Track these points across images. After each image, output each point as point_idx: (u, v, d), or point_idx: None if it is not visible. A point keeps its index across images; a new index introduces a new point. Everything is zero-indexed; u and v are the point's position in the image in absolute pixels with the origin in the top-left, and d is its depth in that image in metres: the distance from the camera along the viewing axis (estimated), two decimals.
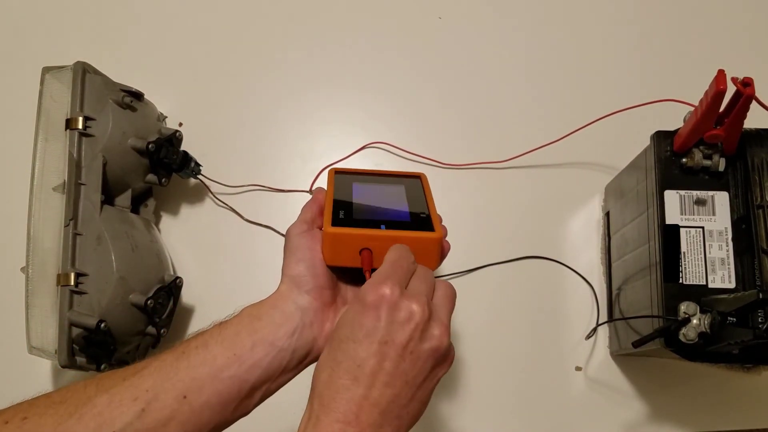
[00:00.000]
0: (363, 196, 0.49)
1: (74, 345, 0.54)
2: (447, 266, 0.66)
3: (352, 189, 0.49)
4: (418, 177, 0.52)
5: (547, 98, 0.73)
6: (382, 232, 0.43)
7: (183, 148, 0.65)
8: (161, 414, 0.36)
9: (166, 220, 0.69)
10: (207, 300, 0.66)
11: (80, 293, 0.54)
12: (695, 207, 0.51)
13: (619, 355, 0.64)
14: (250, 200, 0.69)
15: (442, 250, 0.45)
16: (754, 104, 0.46)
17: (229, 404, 0.38)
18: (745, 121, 0.48)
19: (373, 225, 0.44)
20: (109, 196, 0.60)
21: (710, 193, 0.51)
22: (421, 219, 0.46)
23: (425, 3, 0.77)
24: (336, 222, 0.43)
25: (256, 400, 0.40)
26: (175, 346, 0.39)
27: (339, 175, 0.52)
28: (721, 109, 0.47)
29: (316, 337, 0.41)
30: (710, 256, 0.49)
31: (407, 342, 0.36)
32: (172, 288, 0.60)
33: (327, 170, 0.53)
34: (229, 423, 0.39)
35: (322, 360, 0.37)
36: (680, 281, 0.49)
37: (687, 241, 0.50)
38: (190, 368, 0.37)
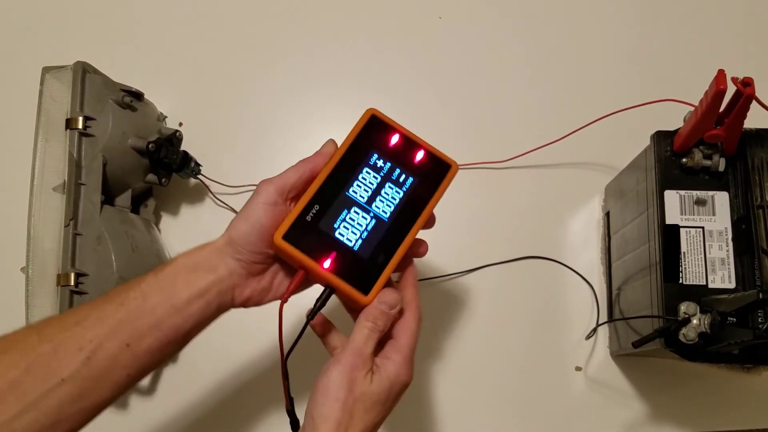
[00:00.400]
0: (361, 185, 0.46)
1: None
2: (447, 266, 0.66)
3: (360, 164, 0.46)
4: (446, 169, 0.47)
5: (547, 98, 0.73)
6: (321, 271, 0.43)
7: (183, 148, 0.65)
8: (106, 361, 0.38)
9: (166, 220, 0.69)
10: None
11: (80, 293, 0.54)
12: (695, 207, 0.51)
13: (619, 355, 0.64)
14: None
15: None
16: (754, 104, 0.46)
17: (167, 348, 0.41)
18: (745, 121, 0.48)
19: (324, 252, 0.43)
20: (109, 196, 0.60)
21: (710, 193, 0.51)
22: (373, 267, 0.44)
23: (425, 3, 0.77)
24: (291, 231, 0.43)
25: (188, 341, 0.43)
26: (111, 295, 0.41)
27: (372, 124, 0.47)
28: (721, 109, 0.47)
29: (235, 297, 0.44)
30: (710, 256, 0.49)
31: (397, 400, 0.43)
32: None
33: (367, 109, 0.48)
34: (166, 361, 0.44)
35: (336, 404, 0.39)
36: (680, 281, 0.49)
37: (687, 241, 0.50)
38: (130, 319, 0.39)
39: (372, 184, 0.46)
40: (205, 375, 0.64)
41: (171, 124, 0.70)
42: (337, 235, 0.44)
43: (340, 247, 0.44)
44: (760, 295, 0.43)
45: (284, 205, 0.44)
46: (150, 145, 0.60)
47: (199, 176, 0.67)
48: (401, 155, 0.47)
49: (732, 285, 0.49)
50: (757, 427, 0.63)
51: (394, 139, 0.47)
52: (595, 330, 0.64)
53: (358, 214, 0.45)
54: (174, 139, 0.64)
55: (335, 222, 0.44)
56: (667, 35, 0.76)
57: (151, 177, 0.63)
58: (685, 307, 0.47)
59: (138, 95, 0.63)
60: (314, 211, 0.44)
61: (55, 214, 0.56)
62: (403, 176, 0.46)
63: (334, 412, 0.38)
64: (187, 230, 0.69)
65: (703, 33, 0.76)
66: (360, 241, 0.44)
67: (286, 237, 0.43)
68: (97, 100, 0.59)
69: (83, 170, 0.57)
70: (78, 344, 0.38)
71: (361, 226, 0.44)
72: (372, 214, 0.45)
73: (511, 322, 0.66)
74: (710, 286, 0.49)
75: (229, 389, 0.63)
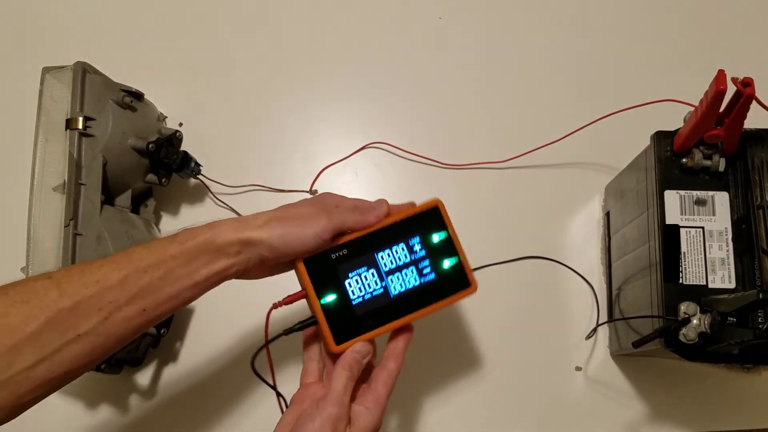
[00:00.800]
0: (391, 255, 0.48)
1: None
2: None
3: (401, 237, 0.49)
4: (464, 285, 0.50)
5: (548, 98, 0.73)
6: (315, 303, 0.46)
7: (183, 148, 0.65)
8: (122, 322, 0.40)
9: (166, 220, 0.69)
10: (206, 299, 0.66)
11: None
12: (695, 207, 0.51)
13: (619, 355, 0.64)
14: (250, 200, 0.69)
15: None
16: (754, 104, 0.46)
17: (175, 311, 0.44)
18: (745, 121, 0.48)
19: (327, 289, 0.47)
20: (109, 196, 0.60)
21: (710, 193, 0.51)
22: (357, 326, 0.47)
23: (425, 3, 0.77)
24: (313, 259, 0.47)
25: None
26: (134, 258, 0.42)
27: (432, 213, 0.50)
28: (721, 109, 0.47)
29: (239, 276, 0.46)
30: (710, 256, 0.49)
31: None
32: None
33: (435, 198, 0.51)
34: None
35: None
36: (680, 281, 0.49)
37: (687, 241, 0.50)
38: (152, 289, 0.41)
39: (399, 260, 0.48)
40: (205, 374, 0.64)
41: (171, 124, 0.70)
42: (345, 283, 0.47)
43: (342, 294, 0.47)
44: (760, 295, 0.43)
45: (327, 242, 0.46)
46: (150, 145, 0.60)
47: (199, 176, 0.67)
48: (438, 252, 0.49)
49: (732, 285, 0.49)
50: (757, 427, 0.63)
51: (441, 235, 0.49)
52: (595, 330, 0.64)
53: (373, 276, 0.48)
54: (174, 139, 0.64)
55: (351, 272, 0.47)
56: (667, 35, 0.76)
57: (151, 177, 0.63)
58: (685, 307, 0.47)
59: (138, 95, 0.63)
60: (341, 253, 0.47)
61: (55, 214, 0.56)
62: (428, 269, 0.49)
63: None
64: None
65: (703, 33, 0.76)
66: (360, 299, 0.47)
67: (306, 261, 0.47)
68: (97, 100, 0.59)
69: (83, 170, 0.57)
70: (98, 305, 0.39)
71: (369, 288, 0.48)
72: (383, 284, 0.48)
73: (511, 322, 0.66)
74: (710, 286, 0.49)
75: (228, 389, 0.63)
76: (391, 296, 0.48)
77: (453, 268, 0.49)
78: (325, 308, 0.47)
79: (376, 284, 0.48)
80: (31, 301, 0.38)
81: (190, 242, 0.43)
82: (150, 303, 0.41)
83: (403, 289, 0.48)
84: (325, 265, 0.47)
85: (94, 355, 0.40)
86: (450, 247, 0.49)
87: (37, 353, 0.37)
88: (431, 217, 0.50)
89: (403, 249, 0.49)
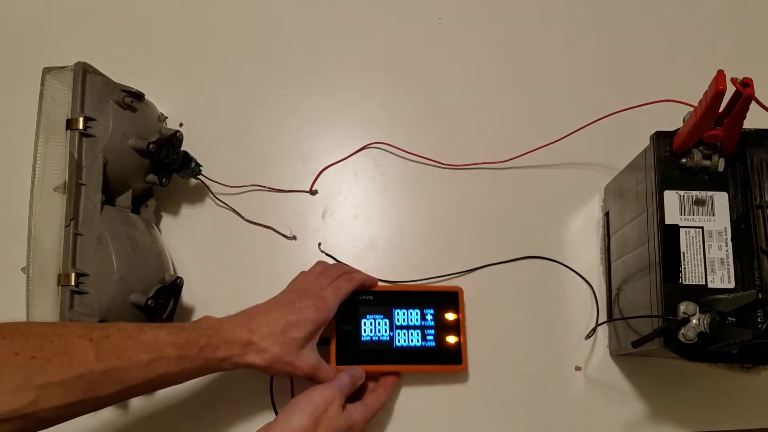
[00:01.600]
0: (405, 315, 0.59)
1: None
2: (447, 266, 0.66)
3: (419, 305, 0.59)
4: (455, 361, 0.59)
5: (548, 98, 0.73)
6: (333, 326, 0.58)
7: (183, 148, 0.66)
8: (130, 392, 0.46)
9: (167, 220, 0.69)
10: (207, 300, 0.66)
11: (81, 293, 0.55)
12: (695, 207, 0.51)
13: (618, 355, 0.64)
14: (250, 200, 0.69)
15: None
16: (753, 104, 0.46)
17: None
18: (745, 122, 0.48)
19: (348, 320, 0.58)
20: (109, 197, 0.60)
21: (709, 193, 0.51)
22: (356, 357, 0.57)
23: (425, 3, 0.77)
24: (350, 295, 0.57)
25: None
26: (163, 349, 0.47)
27: (450, 296, 0.61)
28: (721, 109, 0.47)
29: None
30: (710, 256, 0.49)
31: None
32: (172, 288, 0.60)
33: (458, 287, 0.63)
34: None
35: (314, 413, 0.50)
36: (680, 281, 0.49)
37: (686, 241, 0.50)
38: (165, 379, 0.48)
39: (411, 321, 0.59)
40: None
41: (171, 124, 0.70)
42: (362, 320, 0.59)
43: (355, 328, 0.59)
44: (759, 295, 0.43)
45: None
46: (150, 146, 0.60)
47: (200, 176, 0.67)
48: (445, 328, 0.60)
49: (731, 285, 0.49)
50: (757, 427, 0.63)
51: (452, 315, 0.60)
52: (594, 330, 0.64)
53: (385, 325, 0.58)
54: (174, 139, 0.64)
55: (368, 314, 0.59)
56: (667, 35, 0.76)
57: (151, 177, 0.63)
58: (684, 307, 0.47)
59: (138, 96, 0.63)
60: (366, 297, 0.59)
61: (56, 215, 0.56)
62: (431, 337, 0.59)
63: (310, 414, 0.50)
64: (188, 230, 0.69)
65: (702, 33, 0.76)
66: (367, 338, 0.58)
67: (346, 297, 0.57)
68: (97, 100, 0.59)
69: (84, 170, 0.57)
70: (121, 378, 0.45)
71: (378, 332, 0.58)
72: (390, 335, 0.58)
73: (511, 322, 0.66)
74: (710, 286, 0.49)
75: (229, 388, 0.63)
76: (393, 347, 0.58)
77: (452, 344, 0.59)
78: (339, 333, 0.58)
79: (384, 332, 0.58)
80: (70, 354, 0.43)
81: (210, 356, 0.49)
82: (158, 386, 0.48)
83: (404, 344, 0.58)
84: (352, 301, 0.57)
85: (98, 410, 0.46)
86: (456, 327, 0.60)
87: (59, 399, 0.42)
88: (450, 298, 0.60)
89: (417, 314, 0.59)
